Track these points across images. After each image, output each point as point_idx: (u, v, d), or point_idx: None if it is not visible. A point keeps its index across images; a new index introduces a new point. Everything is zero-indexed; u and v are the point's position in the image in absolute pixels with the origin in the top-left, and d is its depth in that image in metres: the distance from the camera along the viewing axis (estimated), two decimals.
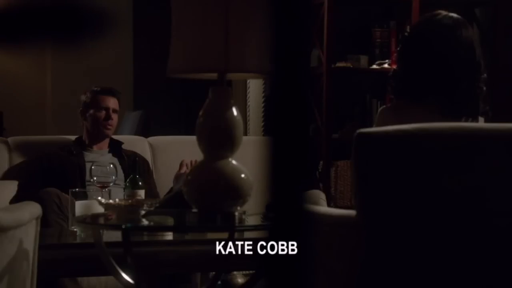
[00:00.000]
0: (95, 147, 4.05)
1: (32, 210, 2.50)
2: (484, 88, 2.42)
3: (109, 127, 4.03)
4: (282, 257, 0.85)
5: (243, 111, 5.37)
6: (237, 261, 2.90)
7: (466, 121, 2.40)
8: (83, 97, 4.10)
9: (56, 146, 4.03)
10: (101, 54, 6.62)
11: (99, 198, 2.55)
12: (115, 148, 4.07)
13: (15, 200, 3.53)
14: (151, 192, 3.81)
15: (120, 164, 3.90)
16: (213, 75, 2.44)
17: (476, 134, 2.04)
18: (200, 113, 2.41)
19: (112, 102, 4.06)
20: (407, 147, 2.00)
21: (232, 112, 2.41)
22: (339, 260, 2.14)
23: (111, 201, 2.48)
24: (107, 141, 4.08)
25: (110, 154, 4.03)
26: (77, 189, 3.17)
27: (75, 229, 3.07)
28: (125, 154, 4.02)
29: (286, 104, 0.91)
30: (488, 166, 1.99)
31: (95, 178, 3.29)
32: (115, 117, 4.07)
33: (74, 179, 3.82)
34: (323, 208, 2.72)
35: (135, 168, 3.37)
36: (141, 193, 3.26)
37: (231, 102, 2.43)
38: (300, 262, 0.87)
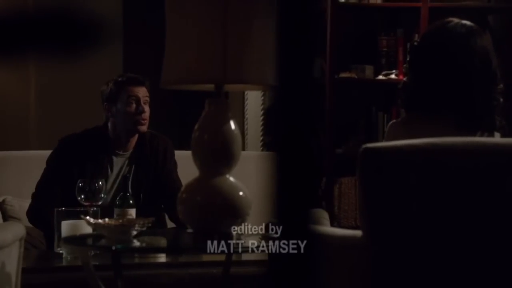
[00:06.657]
0: (121, 150, 3.76)
1: (15, 230, 2.49)
2: (501, 100, 2.40)
3: (143, 121, 3.70)
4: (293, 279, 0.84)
5: (240, 124, 5.36)
6: (234, 285, 2.88)
7: (481, 136, 2.38)
8: (105, 89, 3.76)
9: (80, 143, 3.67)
10: (88, 65, 6.60)
11: (87, 217, 2.53)
12: (140, 149, 3.78)
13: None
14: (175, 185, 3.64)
15: (136, 171, 3.67)
16: (210, 86, 2.43)
17: (492, 150, 2.03)
18: (196, 127, 2.40)
19: (142, 92, 3.73)
20: (418, 164, 1.99)
21: (230, 126, 2.40)
22: (343, 284, 2.12)
23: (100, 221, 2.46)
24: (133, 142, 3.77)
25: (127, 160, 3.75)
26: (63, 208, 3.12)
27: (60, 251, 3.05)
28: (149, 151, 3.76)
29: (288, 117, 0.90)
30: (505, 184, 1.97)
31: (82, 196, 3.19)
32: (147, 109, 3.72)
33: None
34: (326, 228, 2.70)
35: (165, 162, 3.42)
36: (132, 212, 3.20)
37: (229, 116, 2.42)
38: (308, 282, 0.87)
